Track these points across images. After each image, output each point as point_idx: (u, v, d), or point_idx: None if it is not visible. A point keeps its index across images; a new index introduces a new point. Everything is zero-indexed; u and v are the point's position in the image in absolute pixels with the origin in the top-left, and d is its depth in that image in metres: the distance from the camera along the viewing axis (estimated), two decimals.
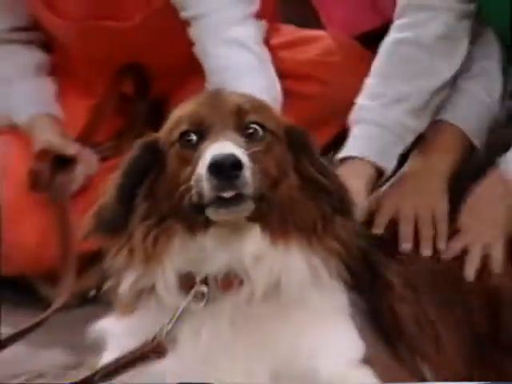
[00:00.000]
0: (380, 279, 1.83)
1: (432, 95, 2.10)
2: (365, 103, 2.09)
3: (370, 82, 2.14)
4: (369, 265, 1.81)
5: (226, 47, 2.34)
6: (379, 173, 2.03)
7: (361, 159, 2.01)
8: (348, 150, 2.04)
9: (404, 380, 1.73)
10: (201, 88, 2.10)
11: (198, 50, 2.35)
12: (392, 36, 2.12)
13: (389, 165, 2.04)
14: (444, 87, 2.13)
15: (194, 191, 1.60)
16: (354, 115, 2.11)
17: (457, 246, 1.90)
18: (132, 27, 2.44)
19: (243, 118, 1.69)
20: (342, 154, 2.05)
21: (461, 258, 1.91)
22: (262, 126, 1.69)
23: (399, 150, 2.06)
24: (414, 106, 2.07)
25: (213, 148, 1.60)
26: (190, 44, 2.38)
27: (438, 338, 1.82)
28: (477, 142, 2.09)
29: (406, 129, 2.08)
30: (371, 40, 2.33)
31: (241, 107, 1.71)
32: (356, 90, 2.12)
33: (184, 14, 2.34)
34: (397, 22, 2.13)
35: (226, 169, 1.56)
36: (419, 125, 2.10)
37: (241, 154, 1.59)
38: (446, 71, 2.10)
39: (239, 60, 2.33)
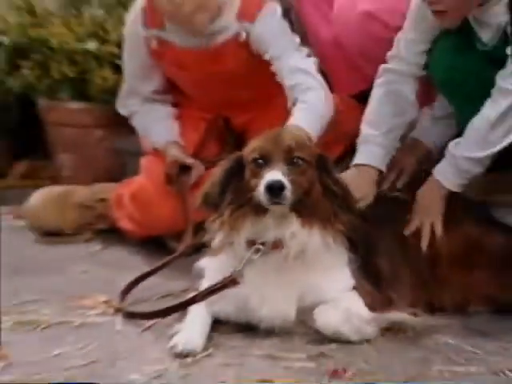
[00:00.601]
0: (369, 244, 2.26)
1: (406, 126, 2.62)
2: (370, 132, 2.54)
3: (369, 113, 2.56)
4: (362, 236, 2.21)
5: (296, 74, 2.70)
6: (379, 172, 2.53)
7: (368, 165, 2.49)
8: (359, 159, 2.51)
9: (377, 301, 2.15)
10: (268, 124, 2.35)
11: (279, 78, 2.75)
12: (376, 90, 2.58)
13: (384, 167, 2.53)
14: (411, 122, 2.62)
15: (257, 196, 2.06)
16: (362, 137, 2.54)
17: (415, 223, 2.39)
18: (229, 70, 2.82)
19: (291, 153, 2.09)
20: (355, 161, 2.48)
21: (417, 230, 2.37)
22: (302, 159, 2.10)
23: (389, 157, 2.57)
24: (398, 134, 2.59)
25: (269, 174, 2.03)
26: (263, 84, 2.78)
27: (400, 276, 2.30)
28: (433, 150, 2.63)
29: (394, 147, 2.59)
30: (361, 97, 2.82)
31: (290, 147, 2.08)
32: (351, 126, 2.65)
33: (266, 55, 2.76)
34: (377, 81, 2.58)
35: (275, 189, 2.00)
36: (399, 144, 2.60)
37: (285, 180, 2.01)
38: (414, 112, 2.62)
39: (305, 81, 2.69)
